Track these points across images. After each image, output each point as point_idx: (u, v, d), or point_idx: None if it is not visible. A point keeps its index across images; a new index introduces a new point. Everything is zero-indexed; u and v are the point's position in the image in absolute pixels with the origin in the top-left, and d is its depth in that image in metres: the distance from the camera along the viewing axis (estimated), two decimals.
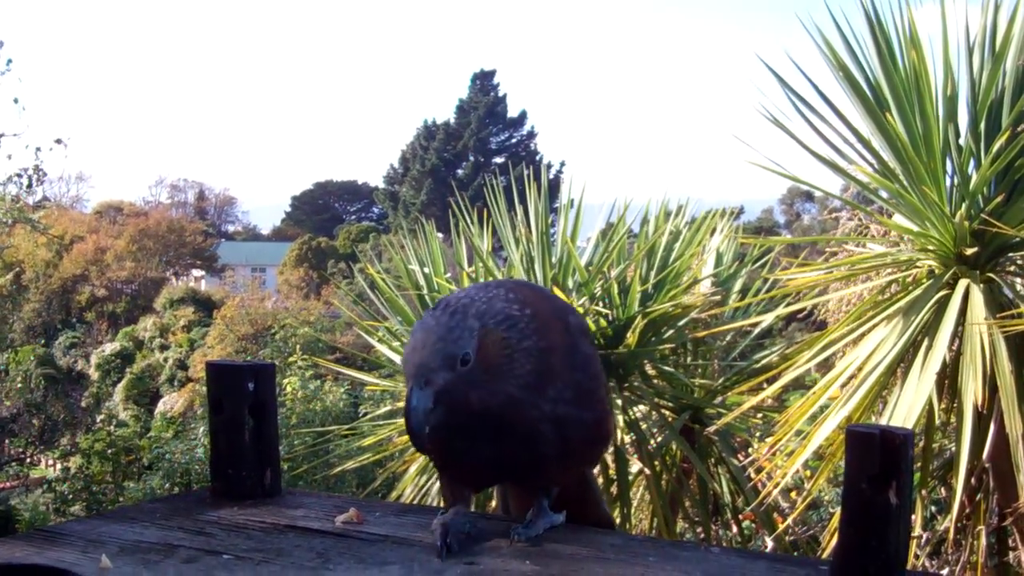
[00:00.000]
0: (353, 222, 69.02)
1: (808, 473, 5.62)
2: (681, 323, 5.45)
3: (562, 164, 56.46)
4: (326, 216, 74.10)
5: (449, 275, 5.85)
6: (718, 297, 5.49)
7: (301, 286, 45.44)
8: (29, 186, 7.10)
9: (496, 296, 1.98)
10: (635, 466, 5.56)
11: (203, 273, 51.75)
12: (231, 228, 75.84)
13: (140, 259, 42.93)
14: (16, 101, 10.61)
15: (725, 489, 5.78)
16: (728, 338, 5.88)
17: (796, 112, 4.48)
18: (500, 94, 61.42)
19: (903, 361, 4.30)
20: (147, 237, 44.27)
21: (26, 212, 6.70)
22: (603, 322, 5.37)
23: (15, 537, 1.81)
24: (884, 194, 4.56)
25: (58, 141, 8.48)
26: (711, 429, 5.21)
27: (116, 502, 14.42)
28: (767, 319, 5.32)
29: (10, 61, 9.38)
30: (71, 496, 15.44)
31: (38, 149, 8.04)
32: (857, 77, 4.33)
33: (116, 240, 43.03)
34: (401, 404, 5.45)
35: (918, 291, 4.24)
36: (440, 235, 6.11)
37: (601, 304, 5.39)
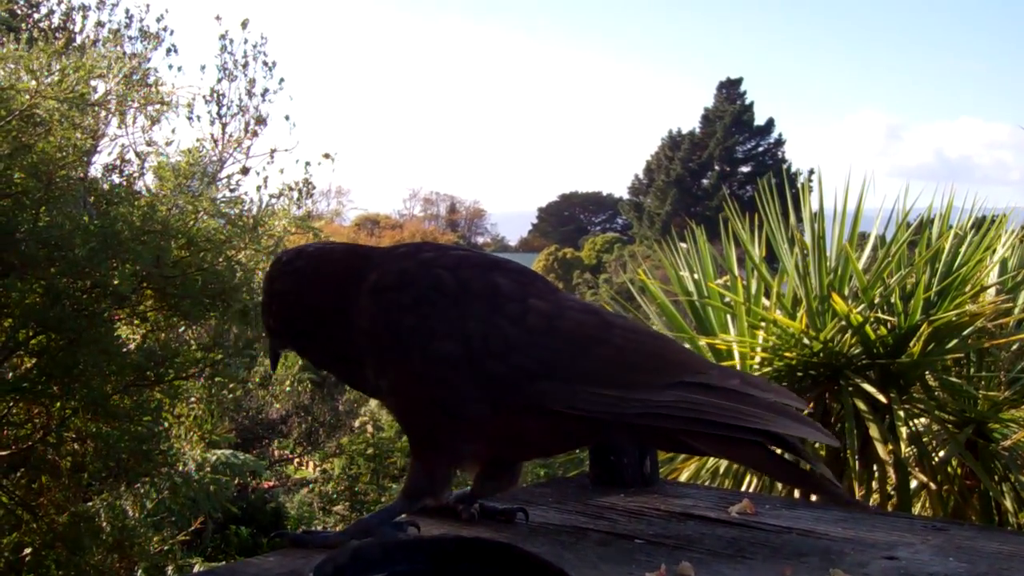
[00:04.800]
0: (598, 233, 69.41)
1: None
2: (966, 332, 5.20)
3: (810, 172, 54.97)
4: (571, 227, 74.87)
5: (719, 281, 5.79)
6: (1008, 305, 5.21)
7: None
8: (300, 199, 7.46)
9: None
10: (913, 480, 5.34)
11: None
12: (480, 240, 77.66)
13: None
14: (287, 118, 11.18)
15: (1010, 507, 5.48)
16: (1014, 347, 5.56)
17: None
18: (747, 102, 60.38)
19: None
20: None
21: (308, 222, 7.04)
22: (883, 330, 5.19)
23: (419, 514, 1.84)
24: None
25: (326, 155, 8.87)
26: (1005, 444, 4.94)
27: (378, 502, 14.90)
28: None
29: (282, 80, 9.84)
30: (335, 496, 16.09)
31: (307, 163, 8.44)
32: None
33: None
34: None
35: None
36: (684, 245, 6.06)
37: (880, 311, 5.21)
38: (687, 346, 5.60)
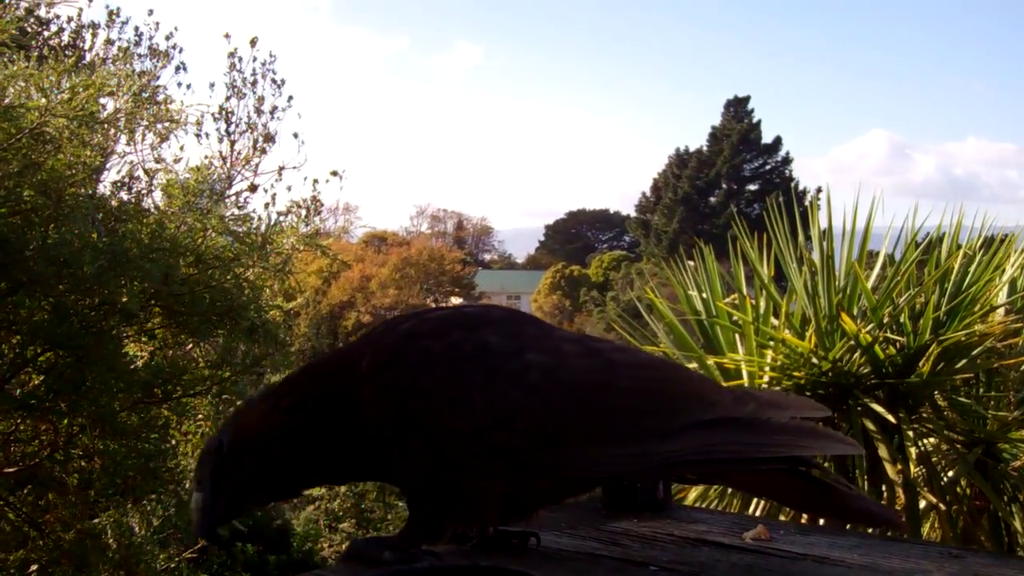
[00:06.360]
0: (605, 250, 69.37)
1: None
2: (975, 352, 5.18)
3: (818, 190, 54.85)
4: (578, 244, 74.93)
5: (727, 300, 5.78)
6: (1018, 325, 5.18)
7: (555, 313, 46.19)
8: (308, 216, 7.47)
9: None
10: (922, 501, 5.32)
11: (461, 300, 53.18)
12: (487, 257, 77.64)
13: (402, 287, 44.43)
14: (296, 136, 11.22)
15: (1019, 528, 5.44)
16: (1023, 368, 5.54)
17: None
18: (754, 120, 60.35)
19: None
20: (409, 265, 45.81)
21: (315, 240, 7.04)
22: (892, 349, 5.17)
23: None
24: None
25: (334, 173, 8.85)
26: (1015, 464, 4.91)
27: (384, 519, 14.88)
28: None
29: (291, 98, 9.86)
30: (341, 513, 16.05)
31: (315, 181, 8.43)
32: None
33: (380, 268, 44.73)
34: None
35: None
36: (691, 263, 6.05)
37: (890, 331, 5.19)
38: (693, 366, 5.59)
